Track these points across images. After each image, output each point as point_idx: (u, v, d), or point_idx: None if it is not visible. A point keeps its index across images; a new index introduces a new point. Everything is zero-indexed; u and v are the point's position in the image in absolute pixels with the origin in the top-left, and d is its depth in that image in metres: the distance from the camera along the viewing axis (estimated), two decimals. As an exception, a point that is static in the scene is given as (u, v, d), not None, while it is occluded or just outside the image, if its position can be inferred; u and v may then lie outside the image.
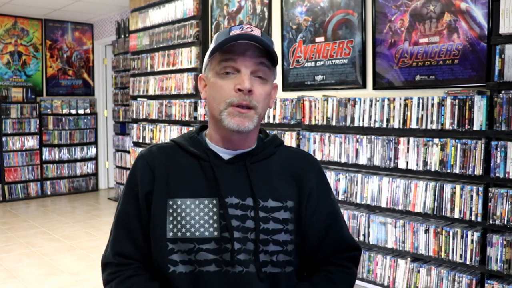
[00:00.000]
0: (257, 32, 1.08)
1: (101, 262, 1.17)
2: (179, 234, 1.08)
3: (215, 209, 1.09)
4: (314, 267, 1.21)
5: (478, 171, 2.67)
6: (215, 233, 1.08)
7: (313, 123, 3.50)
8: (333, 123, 3.37)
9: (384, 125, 3.09)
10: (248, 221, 1.10)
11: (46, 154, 6.90)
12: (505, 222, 2.55)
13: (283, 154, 1.21)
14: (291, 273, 1.15)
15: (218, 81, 1.09)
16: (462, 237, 2.75)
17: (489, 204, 2.61)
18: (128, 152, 6.27)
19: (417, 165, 2.93)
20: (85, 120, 7.23)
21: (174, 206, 1.10)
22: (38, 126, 6.78)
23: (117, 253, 1.13)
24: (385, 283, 3.12)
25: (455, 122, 2.76)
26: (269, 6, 4.08)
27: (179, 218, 1.09)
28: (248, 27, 1.09)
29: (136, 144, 5.56)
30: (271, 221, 1.12)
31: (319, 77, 3.66)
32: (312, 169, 1.21)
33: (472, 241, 2.70)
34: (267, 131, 1.28)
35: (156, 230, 1.10)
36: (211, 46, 1.12)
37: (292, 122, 3.65)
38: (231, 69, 1.08)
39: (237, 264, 1.07)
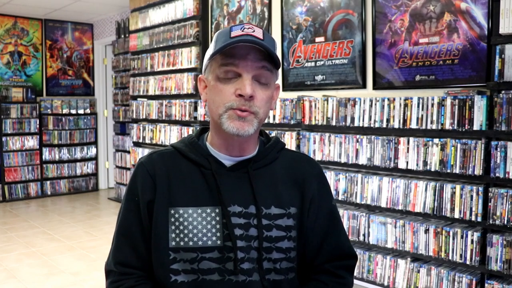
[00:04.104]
0: (258, 33, 1.04)
1: (104, 269, 1.17)
2: (182, 243, 1.07)
3: (217, 218, 1.08)
4: (309, 272, 1.20)
5: (478, 171, 2.67)
6: (218, 242, 1.07)
7: (313, 123, 3.50)
8: (333, 123, 3.37)
9: (384, 125, 3.09)
10: (251, 229, 1.09)
11: (46, 154, 6.89)
12: (505, 222, 2.55)
13: (285, 159, 1.20)
14: (294, 279, 1.15)
15: (218, 84, 1.06)
16: (462, 237, 2.75)
17: (489, 204, 2.61)
18: (128, 152, 6.27)
19: (417, 165, 2.93)
20: (85, 120, 7.23)
21: (176, 215, 1.08)
22: (38, 126, 6.78)
23: (119, 262, 1.12)
24: (385, 283, 3.12)
25: (455, 122, 2.76)
26: (269, 6, 4.08)
27: (181, 227, 1.07)
28: (249, 27, 1.05)
29: (136, 144, 5.56)
30: (274, 229, 1.11)
31: (319, 77, 3.66)
32: (313, 173, 1.20)
33: (472, 241, 2.70)
34: (268, 133, 1.26)
35: (158, 239, 1.08)
36: (211, 46, 1.09)
37: (292, 122, 3.65)
38: (232, 73, 1.05)
39: (240, 273, 1.07)
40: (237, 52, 1.03)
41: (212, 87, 1.08)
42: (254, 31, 1.04)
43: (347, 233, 3.35)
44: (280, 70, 3.86)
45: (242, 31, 1.04)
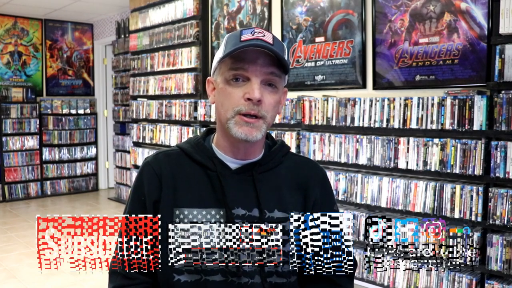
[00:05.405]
0: (268, 38, 1.05)
1: (108, 268, 1.15)
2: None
3: (222, 220, 1.09)
4: (308, 278, 1.19)
5: (478, 171, 2.67)
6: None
7: (313, 123, 3.50)
8: (333, 123, 3.37)
9: (384, 125, 3.09)
10: None
11: (46, 154, 6.89)
12: (505, 222, 2.55)
13: (289, 163, 1.20)
14: (295, 283, 1.15)
15: (227, 87, 1.07)
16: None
17: (489, 204, 2.61)
18: (128, 152, 6.27)
19: (417, 165, 2.93)
20: (85, 120, 7.23)
21: (181, 216, 1.09)
22: (38, 126, 6.77)
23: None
24: (385, 283, 3.12)
25: (455, 122, 2.76)
26: (269, 6, 4.08)
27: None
28: (259, 32, 1.05)
29: (136, 144, 5.56)
30: None
31: (319, 77, 3.66)
32: (317, 178, 1.21)
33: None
34: (273, 136, 1.27)
35: (162, 239, 1.09)
36: (221, 49, 1.10)
37: (292, 122, 3.65)
38: (241, 77, 1.05)
39: (243, 275, 1.08)
40: (246, 56, 1.04)
41: (221, 90, 1.09)
42: (264, 35, 1.05)
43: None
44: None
45: (252, 35, 1.05)
